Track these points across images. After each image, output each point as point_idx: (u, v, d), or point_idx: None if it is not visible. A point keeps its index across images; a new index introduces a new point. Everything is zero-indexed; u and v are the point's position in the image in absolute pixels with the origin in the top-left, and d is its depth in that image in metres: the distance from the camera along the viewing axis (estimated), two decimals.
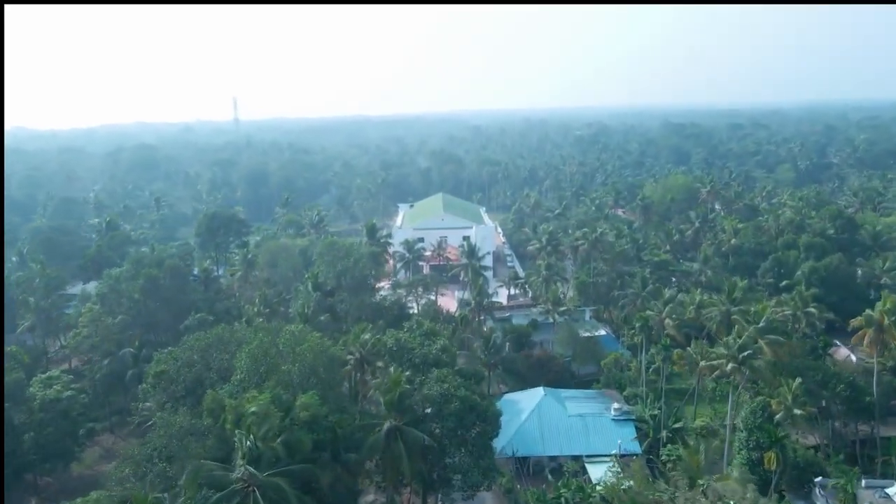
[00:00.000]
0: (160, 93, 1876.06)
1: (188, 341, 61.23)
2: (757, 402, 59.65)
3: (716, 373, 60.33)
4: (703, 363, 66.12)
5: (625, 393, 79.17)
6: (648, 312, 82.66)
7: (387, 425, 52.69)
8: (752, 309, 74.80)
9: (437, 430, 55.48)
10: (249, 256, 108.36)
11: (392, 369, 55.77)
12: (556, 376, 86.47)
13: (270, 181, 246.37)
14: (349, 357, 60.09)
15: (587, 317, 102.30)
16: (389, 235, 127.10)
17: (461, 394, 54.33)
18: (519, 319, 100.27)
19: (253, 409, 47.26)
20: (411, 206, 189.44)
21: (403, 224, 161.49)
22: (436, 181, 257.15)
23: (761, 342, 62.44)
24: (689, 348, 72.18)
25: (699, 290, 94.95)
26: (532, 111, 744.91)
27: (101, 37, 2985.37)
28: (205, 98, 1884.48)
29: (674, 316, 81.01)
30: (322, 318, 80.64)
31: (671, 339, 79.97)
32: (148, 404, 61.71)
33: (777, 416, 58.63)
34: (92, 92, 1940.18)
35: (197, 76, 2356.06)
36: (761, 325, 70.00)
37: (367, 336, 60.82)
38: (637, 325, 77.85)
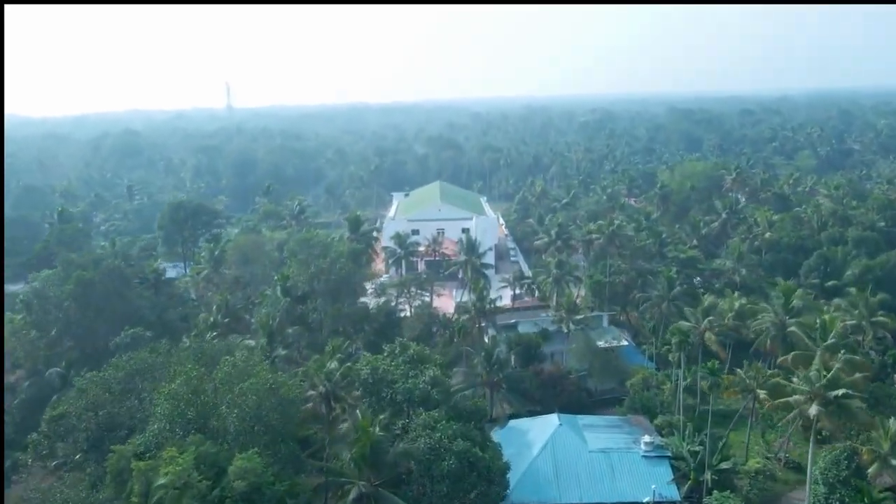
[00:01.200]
0: (155, 80, 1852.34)
1: (106, 370, 47.45)
2: (840, 449, 45.90)
3: (792, 414, 46.45)
4: (762, 394, 52.38)
5: (656, 421, 65.33)
6: (683, 323, 68.83)
7: (354, 492, 39.07)
8: (817, 321, 60.92)
9: (428, 489, 41.94)
10: (216, 253, 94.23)
11: (359, 411, 41.92)
12: (571, 396, 73.06)
13: (258, 169, 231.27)
14: (311, 393, 46.04)
15: (605, 323, 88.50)
16: (378, 228, 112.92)
17: (458, 447, 40.62)
18: (526, 327, 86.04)
19: (163, 481, 33.73)
20: (406, 195, 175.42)
21: (397, 215, 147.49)
22: (433, 168, 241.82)
23: (844, 374, 47.80)
24: (740, 371, 58.34)
25: (735, 292, 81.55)
26: (532, 99, 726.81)
27: (95, 23, 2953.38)
28: (201, 85, 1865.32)
29: (715, 327, 67.31)
30: (291, 329, 66.95)
31: (715, 357, 65.99)
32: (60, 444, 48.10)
33: (870, 470, 44.78)
34: (87, 79, 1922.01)
35: (194, 64, 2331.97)
36: (830, 342, 56.33)
37: (333, 364, 46.63)
38: (674, 340, 63.81)
